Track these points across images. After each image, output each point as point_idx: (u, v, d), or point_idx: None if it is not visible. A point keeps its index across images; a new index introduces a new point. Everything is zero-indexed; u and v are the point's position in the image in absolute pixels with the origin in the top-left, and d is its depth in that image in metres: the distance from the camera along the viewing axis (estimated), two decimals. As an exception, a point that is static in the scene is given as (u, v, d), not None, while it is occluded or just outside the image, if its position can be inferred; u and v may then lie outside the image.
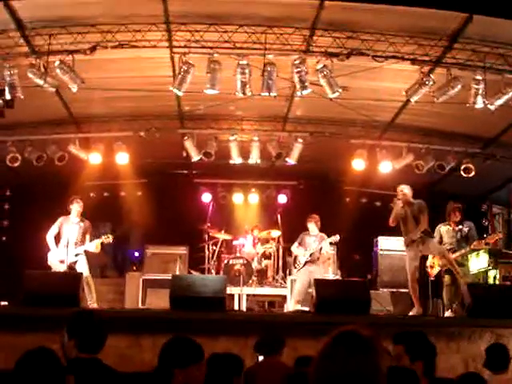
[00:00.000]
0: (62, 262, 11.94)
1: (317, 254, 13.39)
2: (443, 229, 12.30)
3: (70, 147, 14.36)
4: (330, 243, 13.74)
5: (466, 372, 6.20)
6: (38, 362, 3.71)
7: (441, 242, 12.23)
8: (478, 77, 11.10)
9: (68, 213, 12.40)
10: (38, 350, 3.83)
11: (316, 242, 13.42)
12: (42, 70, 10.97)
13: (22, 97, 11.19)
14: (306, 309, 12.25)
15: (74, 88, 11.30)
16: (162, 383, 4.23)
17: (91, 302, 11.62)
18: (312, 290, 11.30)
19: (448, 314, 11.59)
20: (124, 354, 9.19)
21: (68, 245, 12.00)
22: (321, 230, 13.66)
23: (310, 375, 2.54)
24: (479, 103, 11.32)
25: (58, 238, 12.24)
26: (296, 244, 13.72)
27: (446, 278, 11.96)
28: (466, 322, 10.23)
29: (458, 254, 11.95)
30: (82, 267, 11.93)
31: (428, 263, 12.27)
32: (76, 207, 12.30)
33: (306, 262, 13.32)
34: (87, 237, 12.31)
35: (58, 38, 10.67)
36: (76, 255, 12.04)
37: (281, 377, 6.28)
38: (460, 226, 12.19)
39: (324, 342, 2.57)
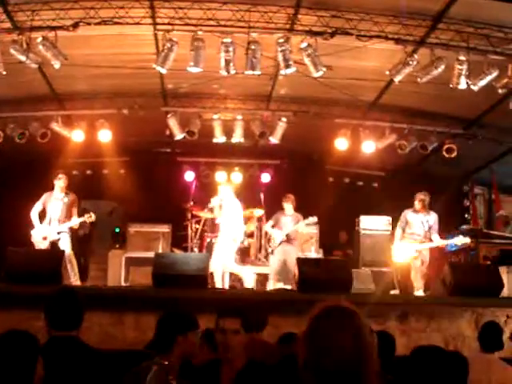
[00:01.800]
0: (44, 238, 11.85)
1: (292, 235, 13.43)
2: (411, 216, 12.24)
3: (52, 124, 14.31)
4: (308, 224, 13.73)
5: (447, 350, 6.27)
6: (10, 345, 3.72)
7: (405, 227, 12.26)
8: (462, 57, 11.13)
9: (53, 188, 12.27)
10: (9, 332, 3.83)
11: (292, 223, 13.44)
12: (25, 46, 10.88)
13: (5, 73, 11.12)
14: (289, 287, 12.30)
15: (57, 64, 11.21)
16: (163, 349, 4.33)
17: (74, 279, 11.57)
18: (293, 269, 11.37)
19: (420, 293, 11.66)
20: (107, 332, 9.22)
21: (51, 221, 11.92)
22: (303, 209, 13.69)
23: (299, 351, 2.56)
24: (462, 84, 11.36)
25: (43, 215, 12.12)
26: (271, 223, 13.75)
27: (416, 263, 12.01)
28: (447, 301, 10.32)
29: (424, 246, 11.99)
30: (65, 245, 11.85)
31: (394, 249, 12.29)
32: (59, 183, 12.12)
33: (281, 242, 13.37)
34: (74, 211, 12.16)
35: (40, 14, 10.59)
36: (59, 233, 11.94)
37: (263, 354, 6.32)
38: (427, 217, 12.12)
39: (310, 317, 2.59)
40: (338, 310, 2.59)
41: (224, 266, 12.33)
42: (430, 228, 12.08)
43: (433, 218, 12.15)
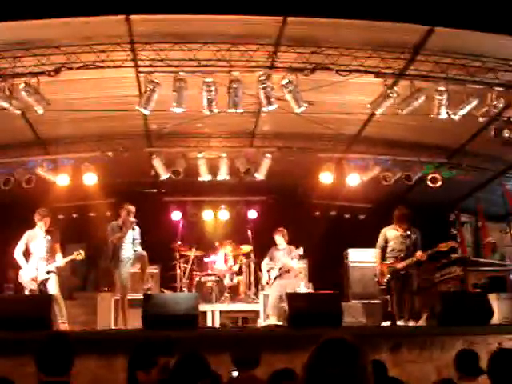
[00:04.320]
0: (34, 279, 11.68)
1: (286, 267, 13.43)
2: (391, 233, 12.05)
3: (37, 169, 14.29)
4: (294, 257, 13.69)
5: (439, 379, 6.26)
6: None
7: (385, 246, 12.06)
8: (441, 88, 11.26)
9: (34, 227, 12.06)
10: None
11: (285, 256, 13.47)
12: (7, 92, 10.93)
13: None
14: (280, 323, 12.26)
15: (40, 110, 11.25)
16: None
17: (61, 321, 11.39)
18: (284, 304, 11.35)
19: (401, 322, 11.54)
20: (97, 375, 9.13)
21: (37, 261, 11.71)
22: (292, 244, 13.72)
23: (300, 381, 2.58)
24: (443, 114, 11.48)
25: (27, 254, 11.94)
26: (267, 260, 13.79)
27: (395, 286, 11.89)
28: (437, 330, 10.32)
29: (404, 263, 11.75)
30: (53, 285, 11.70)
31: (377, 271, 12.19)
32: (42, 221, 11.87)
33: (276, 277, 13.39)
34: (57, 247, 12.00)
35: (22, 60, 10.63)
36: (48, 272, 11.75)
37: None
38: (408, 232, 11.93)
39: (312, 349, 2.61)
40: (337, 342, 2.63)
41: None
42: (413, 244, 11.86)
43: (415, 234, 11.97)
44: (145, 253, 12.30)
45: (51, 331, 9.52)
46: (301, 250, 13.43)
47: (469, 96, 11.46)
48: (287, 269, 13.48)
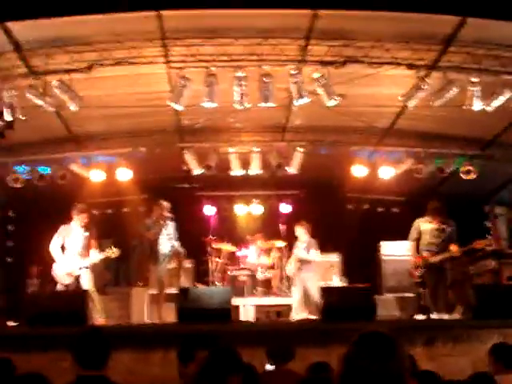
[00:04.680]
0: (69, 275, 11.77)
1: (304, 260, 13.40)
2: (425, 226, 11.97)
3: (71, 166, 14.42)
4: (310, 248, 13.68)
5: (475, 372, 6.22)
6: None
7: (418, 239, 11.99)
8: (474, 79, 11.14)
9: (70, 221, 12.11)
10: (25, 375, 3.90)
11: (302, 249, 13.44)
12: (41, 90, 11.04)
13: (22, 117, 11.24)
14: (313, 317, 12.27)
15: (73, 107, 11.35)
16: None
17: (97, 316, 11.46)
18: (314, 297, 11.37)
19: (435, 316, 11.46)
20: (133, 370, 9.21)
21: (72, 256, 11.76)
22: (324, 238, 13.70)
23: (336, 375, 2.60)
24: (476, 105, 11.37)
25: (62, 249, 11.99)
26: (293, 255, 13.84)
27: (429, 279, 11.86)
28: (472, 323, 10.26)
29: (439, 257, 11.70)
30: (86, 281, 11.79)
31: (411, 264, 12.16)
32: (80, 217, 12.00)
33: (296, 270, 13.42)
34: (93, 244, 11.98)
35: (55, 57, 10.73)
36: (81, 268, 11.78)
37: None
38: (443, 226, 11.83)
39: (349, 343, 2.63)
40: (375, 336, 2.65)
41: None
42: (448, 238, 11.78)
43: (450, 227, 11.86)
44: (182, 250, 12.39)
45: (87, 325, 9.63)
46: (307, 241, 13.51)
47: (502, 87, 11.34)
48: (304, 261, 13.43)
